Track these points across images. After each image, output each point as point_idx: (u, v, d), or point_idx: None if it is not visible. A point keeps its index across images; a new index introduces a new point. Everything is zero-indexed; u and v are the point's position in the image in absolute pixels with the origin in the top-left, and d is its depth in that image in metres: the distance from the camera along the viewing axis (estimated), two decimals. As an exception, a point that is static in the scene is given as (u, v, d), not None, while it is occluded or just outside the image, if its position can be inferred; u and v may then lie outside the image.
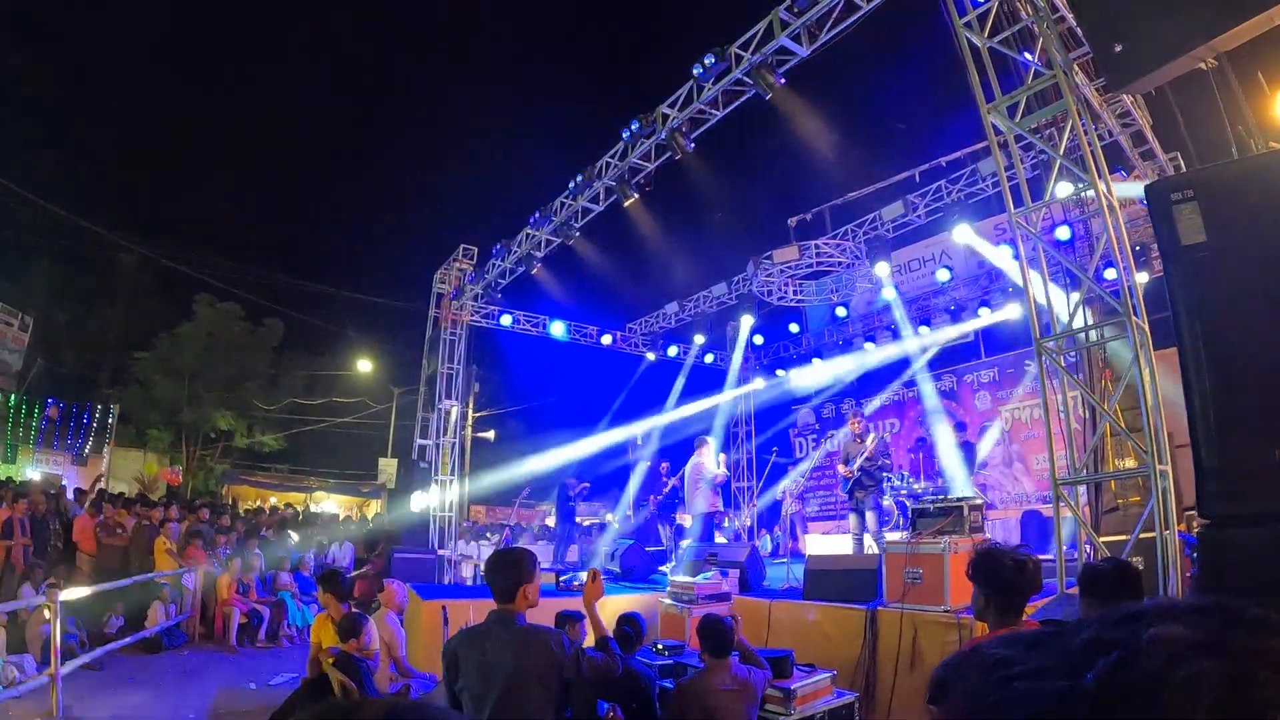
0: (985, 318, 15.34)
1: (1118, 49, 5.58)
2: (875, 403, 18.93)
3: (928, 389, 17.46)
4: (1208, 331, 3.80)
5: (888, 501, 12.67)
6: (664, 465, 15.54)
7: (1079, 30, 7.83)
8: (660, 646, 7.19)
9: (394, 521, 16.62)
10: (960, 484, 12.95)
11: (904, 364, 17.95)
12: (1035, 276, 7.61)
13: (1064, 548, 7.11)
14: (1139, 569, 3.50)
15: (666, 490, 15.08)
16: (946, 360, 17.74)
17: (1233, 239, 3.84)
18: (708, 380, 20.64)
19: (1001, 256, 13.39)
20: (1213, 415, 3.70)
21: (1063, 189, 8.34)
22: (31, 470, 20.67)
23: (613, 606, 8.00)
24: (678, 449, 19.11)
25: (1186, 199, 3.92)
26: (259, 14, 40.24)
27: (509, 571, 3.64)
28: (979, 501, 8.31)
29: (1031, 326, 7.39)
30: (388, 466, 28.84)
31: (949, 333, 16.29)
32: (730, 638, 5.25)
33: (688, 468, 13.09)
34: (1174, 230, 3.93)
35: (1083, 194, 7.86)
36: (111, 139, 31.64)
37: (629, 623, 6.07)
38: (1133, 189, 9.77)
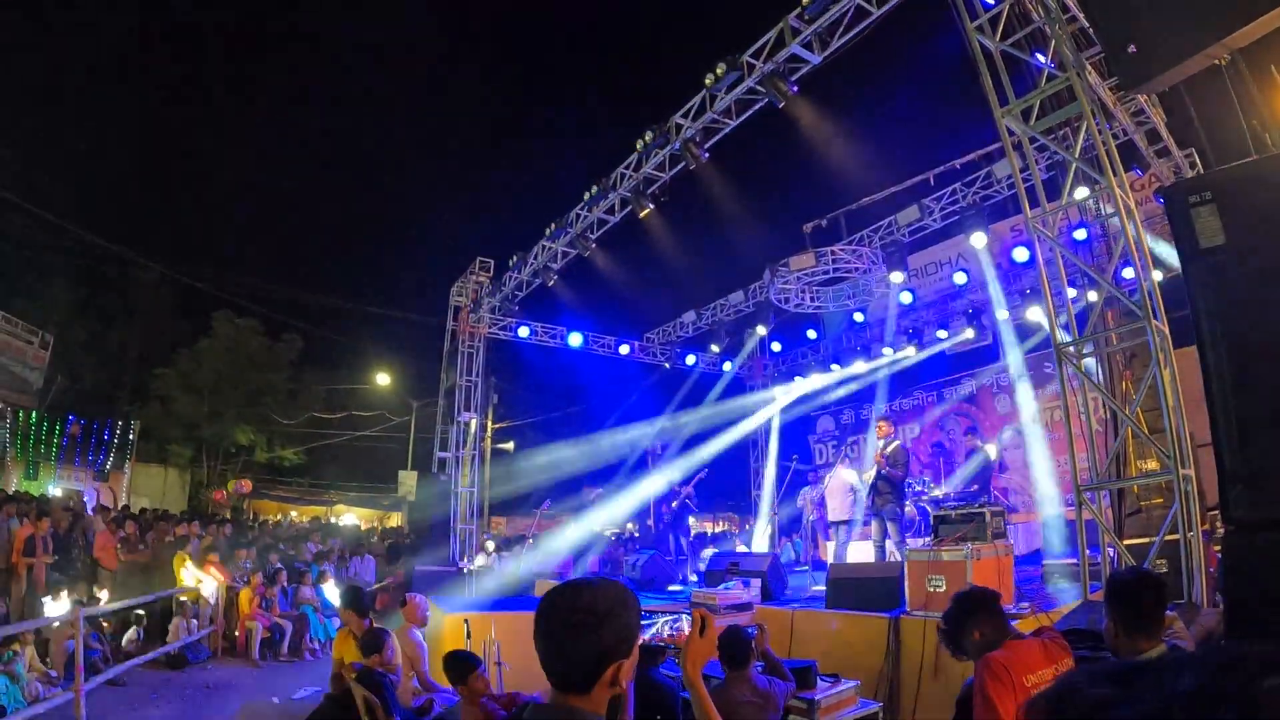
0: (1004, 319, 15.29)
1: (1131, 49, 5.53)
2: (893, 406, 18.85)
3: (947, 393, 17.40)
4: (1229, 335, 3.76)
5: (909, 509, 12.58)
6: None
7: (1090, 31, 7.80)
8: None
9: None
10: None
11: (922, 368, 17.89)
12: (1053, 278, 7.57)
13: (1087, 552, 7.05)
14: (1163, 578, 3.46)
15: (678, 502, 15.01)
16: (966, 363, 17.65)
17: (1252, 240, 3.80)
18: (726, 388, 20.62)
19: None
20: (1235, 419, 3.66)
21: (1079, 191, 8.30)
22: (54, 487, 20.81)
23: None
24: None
25: (1204, 201, 3.87)
26: (277, 33, 40.52)
27: (590, 633, 1.80)
28: (1000, 507, 8.26)
29: (1051, 329, 7.34)
30: (408, 479, 28.88)
31: (967, 336, 16.22)
32: (748, 649, 5.21)
33: (832, 477, 12.88)
34: (1192, 233, 3.89)
35: (1099, 195, 7.81)
36: (130, 157, 31.95)
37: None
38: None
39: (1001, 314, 15.42)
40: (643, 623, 3.17)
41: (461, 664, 5.48)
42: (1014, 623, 6.48)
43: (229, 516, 22.63)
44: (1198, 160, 11.20)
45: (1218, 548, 7.70)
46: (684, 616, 8.34)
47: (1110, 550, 6.89)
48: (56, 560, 11.88)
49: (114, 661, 10.05)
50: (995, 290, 14.27)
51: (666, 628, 7.87)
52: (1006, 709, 2.87)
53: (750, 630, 5.44)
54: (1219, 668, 0.65)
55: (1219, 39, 5.28)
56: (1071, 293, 7.84)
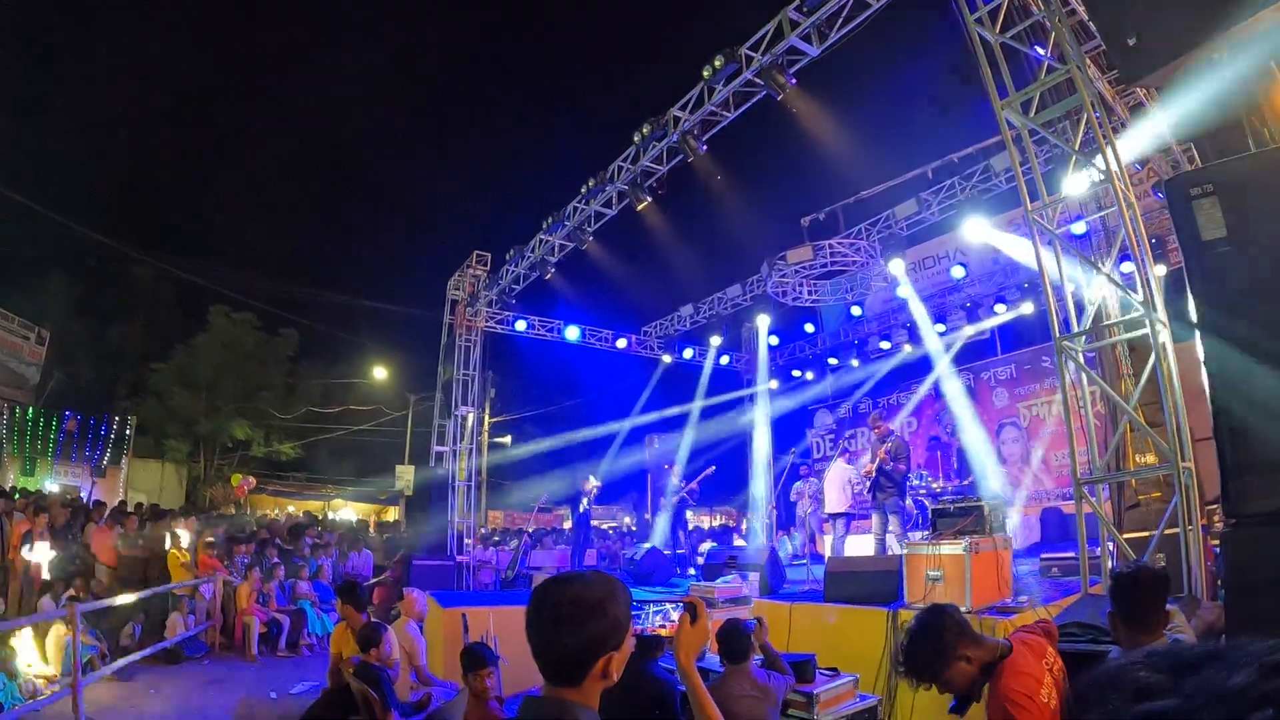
0: (1001, 314, 15.30)
1: (1131, 42, 5.52)
2: (891, 400, 18.84)
3: (948, 387, 17.40)
4: (1230, 326, 3.76)
5: (907, 503, 12.59)
6: (676, 468, 15.44)
7: (1090, 24, 7.77)
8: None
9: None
10: (987, 480, 12.90)
11: (920, 362, 17.90)
12: (1053, 272, 7.55)
13: (1086, 546, 7.05)
14: (1165, 573, 3.44)
15: (682, 494, 14.97)
16: (963, 357, 17.63)
17: (1253, 232, 3.80)
18: (724, 382, 20.63)
19: (1021, 250, 13.31)
20: (1238, 412, 3.65)
21: (1078, 183, 8.27)
22: (50, 483, 20.77)
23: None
24: (693, 450, 19.15)
25: (1206, 194, 3.87)
26: (272, 29, 40.40)
27: (578, 625, 1.83)
28: (999, 501, 8.25)
29: (1050, 323, 7.32)
30: (405, 473, 28.86)
31: (965, 331, 16.22)
32: (747, 643, 5.20)
33: (830, 470, 12.86)
34: (1194, 225, 3.89)
35: (1099, 188, 7.79)
36: (126, 152, 31.85)
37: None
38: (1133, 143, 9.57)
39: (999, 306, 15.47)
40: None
41: (473, 658, 5.47)
42: (1012, 615, 6.51)
43: (232, 512, 22.61)
44: (1195, 155, 11.19)
45: (1215, 542, 7.71)
46: (672, 607, 8.32)
47: (1110, 544, 6.88)
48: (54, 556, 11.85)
49: (111, 657, 10.02)
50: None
51: (658, 618, 7.82)
52: None
53: (749, 624, 5.42)
54: (1271, 668, 0.65)
55: (1220, 32, 5.27)
56: (1069, 286, 7.80)
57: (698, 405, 19.86)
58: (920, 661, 3.08)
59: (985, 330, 16.65)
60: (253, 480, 26.72)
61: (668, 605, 8.43)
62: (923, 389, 17.92)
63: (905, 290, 15.75)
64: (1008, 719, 2.81)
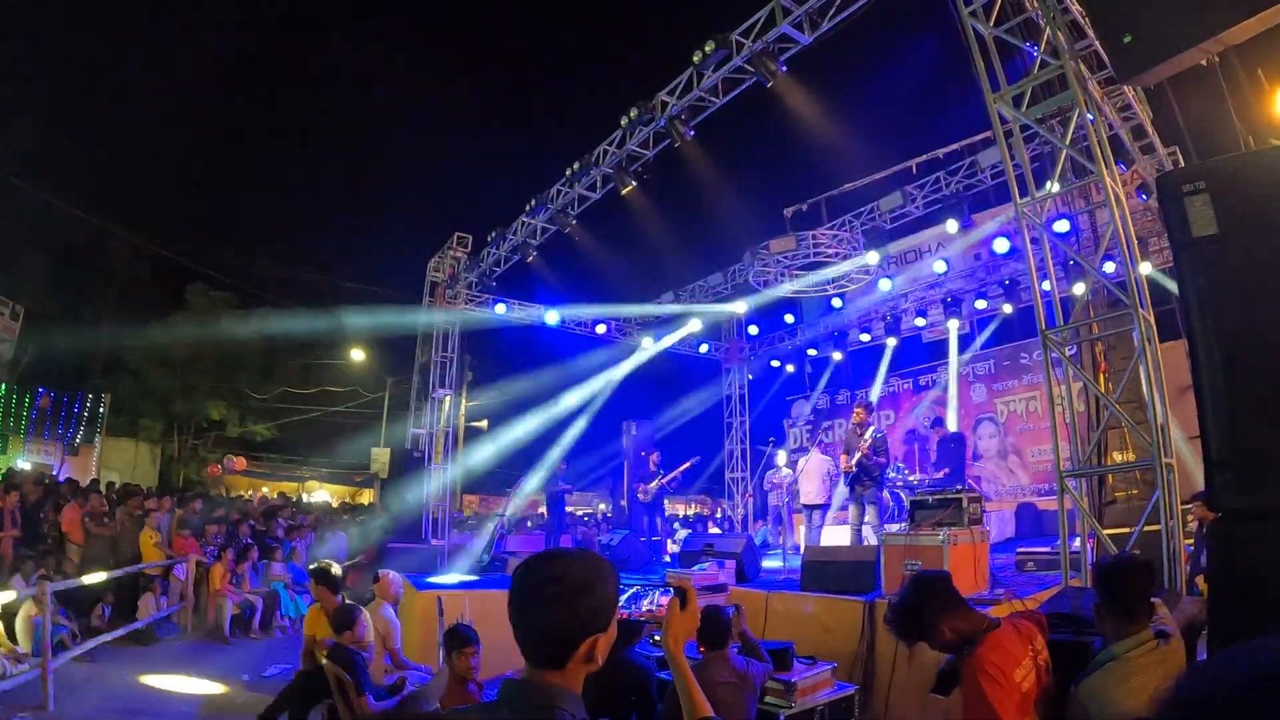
0: (982, 309, 15.42)
1: (1126, 40, 5.53)
2: (871, 394, 18.91)
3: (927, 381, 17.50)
4: (1219, 323, 3.76)
5: (884, 495, 12.62)
6: (654, 456, 15.38)
7: (1081, 22, 7.79)
8: (657, 638, 7.09)
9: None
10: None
11: (899, 355, 17.97)
12: (1039, 266, 7.57)
13: (1067, 539, 7.09)
14: (1152, 563, 3.45)
15: (661, 483, 14.94)
16: (941, 352, 17.73)
17: (1244, 230, 3.80)
18: (703, 370, 20.63)
19: (1003, 245, 13.40)
20: (1225, 407, 3.66)
21: (1067, 180, 8.30)
22: (22, 460, 20.53)
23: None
24: (670, 438, 19.14)
25: (1198, 190, 3.87)
26: (249, 6, 39.92)
27: (565, 604, 1.74)
28: (977, 494, 8.29)
29: (1037, 317, 7.35)
30: (381, 456, 28.77)
31: (951, 325, 16.34)
32: (727, 630, 5.19)
33: (806, 461, 12.81)
34: (1185, 221, 3.88)
35: (1088, 185, 7.81)
36: (103, 127, 31.38)
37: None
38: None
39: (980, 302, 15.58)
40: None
41: (458, 638, 5.43)
42: (988, 609, 6.52)
43: (222, 493, 22.46)
44: (1180, 158, 11.26)
45: (1189, 540, 7.78)
46: (659, 591, 8.28)
47: (1090, 538, 6.93)
48: (24, 535, 11.68)
49: (82, 638, 9.89)
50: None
51: (647, 602, 7.77)
52: (1007, 713, 2.81)
53: (728, 610, 5.41)
54: None
55: (1215, 34, 5.29)
56: (1052, 282, 7.84)
57: (677, 393, 19.86)
58: (909, 613, 3.15)
59: (964, 325, 16.75)
60: (240, 461, 26.57)
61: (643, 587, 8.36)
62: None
63: (885, 284, 15.79)
64: (977, 688, 2.85)
